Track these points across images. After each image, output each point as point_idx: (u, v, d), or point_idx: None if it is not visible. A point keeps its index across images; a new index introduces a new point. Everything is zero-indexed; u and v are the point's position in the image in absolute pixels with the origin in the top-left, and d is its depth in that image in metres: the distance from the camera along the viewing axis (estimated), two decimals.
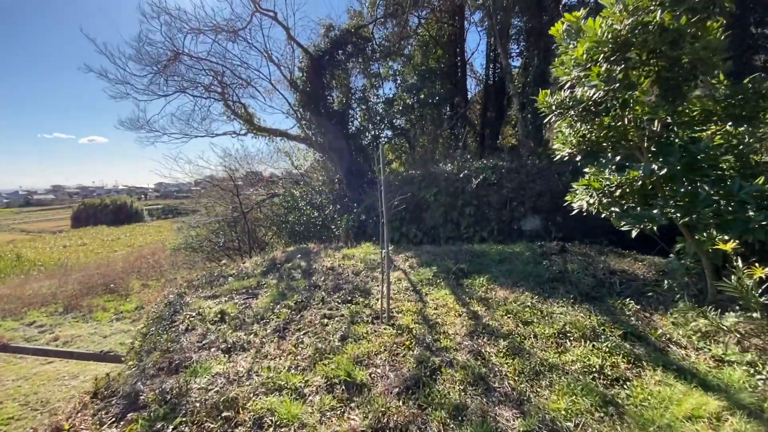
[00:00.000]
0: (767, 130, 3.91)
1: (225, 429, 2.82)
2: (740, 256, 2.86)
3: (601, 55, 3.66)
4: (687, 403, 2.64)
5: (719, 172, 3.68)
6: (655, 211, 3.62)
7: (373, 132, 13.45)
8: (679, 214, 3.54)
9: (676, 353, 3.38)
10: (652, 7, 3.45)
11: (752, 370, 2.98)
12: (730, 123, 3.66)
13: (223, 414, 2.91)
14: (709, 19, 3.41)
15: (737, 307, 3.62)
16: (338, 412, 2.89)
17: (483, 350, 3.55)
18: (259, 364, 3.61)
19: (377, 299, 4.84)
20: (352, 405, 2.95)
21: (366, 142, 12.95)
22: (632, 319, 4.01)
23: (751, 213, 3.25)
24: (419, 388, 3.04)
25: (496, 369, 3.26)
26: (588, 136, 4.25)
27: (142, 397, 3.25)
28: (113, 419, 3.13)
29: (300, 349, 3.86)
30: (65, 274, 19.23)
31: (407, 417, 2.72)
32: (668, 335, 3.65)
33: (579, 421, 2.61)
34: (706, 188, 3.47)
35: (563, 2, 12.18)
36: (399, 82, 15.09)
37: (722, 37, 3.23)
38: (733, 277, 2.81)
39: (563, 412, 2.68)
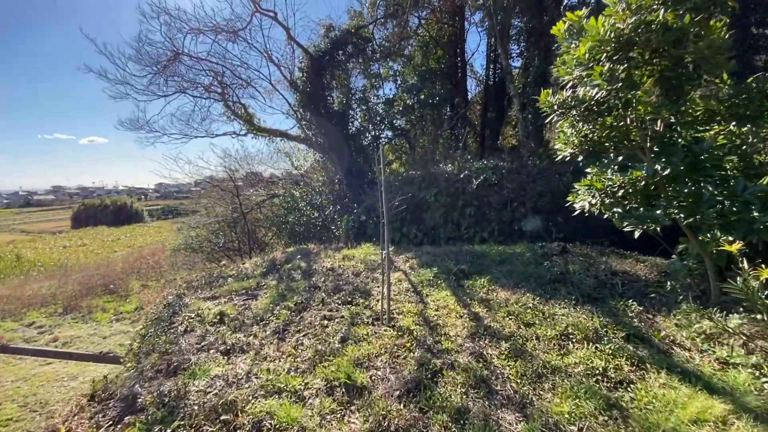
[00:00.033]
0: None
1: None
2: (745, 257, 2.82)
3: (604, 55, 3.62)
4: (692, 406, 2.60)
5: (723, 173, 3.65)
6: (658, 212, 3.59)
7: (373, 132, 13.42)
8: (682, 215, 3.51)
9: (680, 355, 3.34)
10: (654, 6, 3.42)
11: (757, 373, 2.94)
12: (734, 123, 3.62)
13: (222, 417, 2.87)
14: (712, 18, 3.38)
15: (741, 309, 3.58)
16: (338, 416, 2.85)
17: (485, 352, 3.51)
18: (259, 366, 3.57)
19: (377, 300, 4.80)
20: (353, 408, 2.91)
21: (366, 143, 12.92)
22: (635, 320, 3.97)
23: (755, 213, 3.22)
24: (420, 390, 3.00)
25: (498, 371, 3.22)
26: (590, 136, 4.22)
27: (139, 400, 3.21)
28: (110, 422, 3.09)
29: (300, 350, 3.82)
30: (65, 274, 19.21)
31: (408, 420, 2.68)
32: (672, 337, 3.61)
33: (583, 424, 2.57)
34: (710, 189, 3.44)
35: (564, 3, 12.16)
36: (399, 82, 15.07)
37: (726, 36, 3.19)
38: (738, 278, 2.77)
39: (567, 416, 2.64)
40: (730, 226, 3.39)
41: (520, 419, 2.67)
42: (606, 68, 3.60)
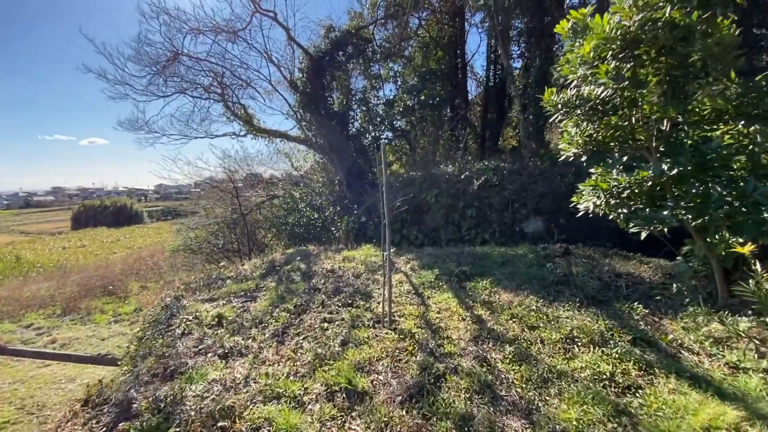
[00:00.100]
0: None
1: None
2: (758, 258, 2.75)
3: (609, 53, 3.56)
4: (703, 412, 2.52)
5: (731, 173, 3.58)
6: (665, 213, 3.52)
7: (373, 133, 13.36)
8: (690, 216, 3.44)
9: (689, 360, 3.26)
10: (661, 3, 3.36)
11: None
12: (742, 122, 3.55)
13: (219, 424, 2.79)
14: (719, 15, 3.32)
15: (750, 312, 3.52)
16: (339, 422, 2.77)
17: (488, 356, 3.44)
18: (257, 371, 3.50)
19: (378, 302, 4.72)
20: (354, 414, 2.83)
21: (366, 144, 12.86)
22: (641, 323, 3.89)
23: (765, 215, 3.15)
24: (423, 396, 2.93)
25: (503, 376, 3.15)
26: (594, 135, 4.16)
27: (134, 406, 3.13)
28: (104, 429, 3.01)
29: (299, 354, 3.74)
30: (64, 275, 19.10)
31: (411, 427, 2.61)
32: (679, 341, 3.53)
33: None
34: (719, 189, 3.37)
35: (566, 3, 12.13)
36: (399, 83, 15.02)
37: (736, 33, 3.13)
38: (750, 281, 2.70)
39: (574, 423, 2.56)
40: (739, 228, 3.32)
41: (527, 426, 2.60)
42: (612, 66, 3.53)
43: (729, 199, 3.35)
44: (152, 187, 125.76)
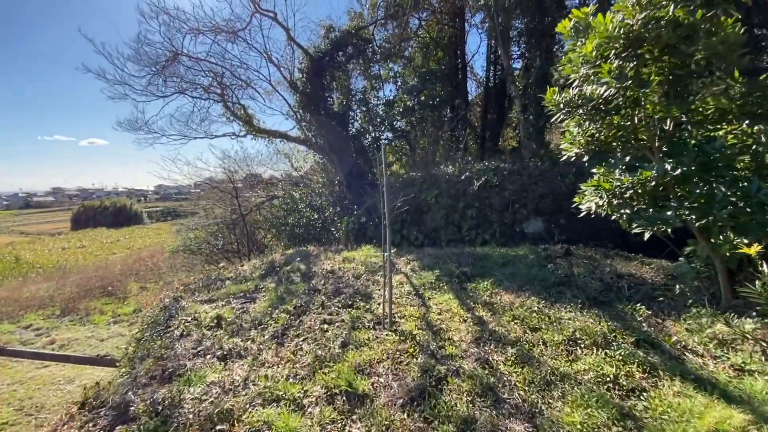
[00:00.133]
0: None
1: None
2: (764, 259, 2.71)
3: (612, 52, 3.53)
4: (709, 416, 2.48)
5: (735, 173, 3.54)
6: (668, 213, 3.48)
7: (373, 134, 13.33)
8: (694, 216, 3.41)
9: (693, 362, 3.22)
10: (664, 2, 3.33)
11: None
12: (746, 122, 3.52)
13: (218, 427, 2.76)
14: (723, 14, 3.29)
15: (754, 313, 3.48)
16: (339, 426, 2.73)
17: (490, 358, 3.40)
18: (256, 373, 3.46)
19: (379, 304, 4.68)
20: (354, 417, 2.79)
21: (366, 144, 12.83)
22: (644, 325, 3.85)
23: None
24: (424, 399, 2.89)
25: (505, 378, 3.11)
26: (597, 135, 4.12)
27: (132, 409, 3.09)
28: None
29: (299, 356, 3.70)
30: (63, 276, 19.07)
31: (412, 431, 2.57)
32: (683, 342, 3.49)
33: None
34: (723, 189, 3.33)
35: (566, 3, 12.11)
36: (399, 83, 15.00)
37: (741, 32, 3.09)
38: (757, 282, 2.67)
39: (579, 426, 2.52)
40: (743, 228, 3.29)
41: (530, 430, 2.56)
42: (615, 65, 3.50)
43: (733, 199, 3.31)
44: (152, 188, 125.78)
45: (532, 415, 2.68)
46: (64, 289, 15.93)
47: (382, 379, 3.20)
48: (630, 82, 3.43)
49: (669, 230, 3.49)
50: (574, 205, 4.47)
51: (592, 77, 3.79)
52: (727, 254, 3.50)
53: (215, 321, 4.61)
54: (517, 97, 11.98)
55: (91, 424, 3.09)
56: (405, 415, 2.75)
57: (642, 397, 2.78)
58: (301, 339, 4.04)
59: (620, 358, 3.25)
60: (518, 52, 14.23)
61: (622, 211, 3.91)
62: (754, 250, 2.78)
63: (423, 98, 13.29)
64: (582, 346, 3.51)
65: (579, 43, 3.91)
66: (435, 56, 15.12)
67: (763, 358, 3.08)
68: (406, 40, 14.67)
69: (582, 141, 4.21)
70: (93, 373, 7.97)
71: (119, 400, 3.28)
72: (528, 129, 11.56)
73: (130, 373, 3.81)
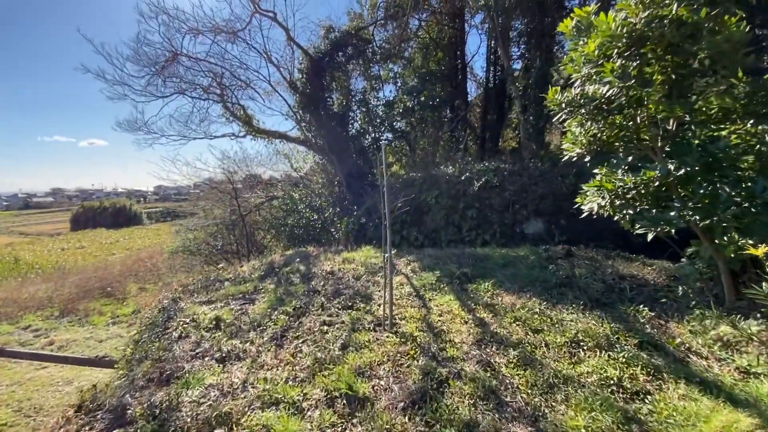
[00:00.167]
0: None
1: None
2: None
3: (615, 51, 3.49)
4: (716, 419, 2.44)
5: (739, 173, 3.51)
6: (672, 214, 3.45)
7: (373, 134, 13.30)
8: (698, 217, 3.37)
9: (698, 364, 3.19)
10: (667, 1, 3.30)
11: None
12: (751, 121, 3.48)
13: (216, 431, 2.71)
14: (727, 12, 3.25)
15: (759, 315, 3.45)
16: (339, 429, 2.69)
17: (492, 360, 3.36)
18: (255, 375, 3.41)
19: (379, 305, 4.64)
20: (354, 421, 2.75)
21: (366, 145, 12.80)
22: (647, 326, 3.81)
23: None
24: (426, 402, 2.85)
25: (507, 381, 3.07)
26: (599, 135, 4.09)
27: (129, 412, 3.05)
28: None
29: (298, 358, 3.66)
30: (62, 277, 19.01)
31: None
32: (687, 344, 3.45)
33: None
34: (727, 189, 3.29)
35: (566, 4, 12.09)
36: (399, 84, 14.98)
37: (746, 30, 3.06)
38: (764, 284, 2.63)
39: (583, 430, 2.48)
40: (747, 229, 3.25)
41: None
42: (618, 65, 3.46)
43: (737, 199, 3.27)
44: (151, 189, 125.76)
45: (535, 419, 2.64)
46: (63, 289, 15.88)
47: (382, 382, 3.16)
48: (633, 81, 3.40)
49: (672, 231, 3.45)
50: (576, 206, 4.44)
51: (594, 77, 3.75)
52: (732, 255, 3.45)
53: (214, 322, 4.57)
54: (517, 98, 11.96)
55: (87, 428, 3.04)
56: (406, 418, 2.71)
57: (646, 401, 2.75)
58: (300, 341, 4.00)
59: (624, 360, 3.21)
60: (518, 53, 14.25)
61: (625, 211, 3.87)
62: (762, 251, 2.74)
63: (423, 99, 13.27)
64: (585, 348, 3.47)
65: (581, 42, 3.88)
66: (435, 57, 15.10)
67: (764, 360, 3.04)
68: (406, 41, 14.65)
69: (584, 141, 4.17)
70: (92, 374, 7.94)
71: (116, 403, 3.24)
72: (528, 129, 11.54)
73: (128, 376, 3.77)
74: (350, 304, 4.81)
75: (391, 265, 4.37)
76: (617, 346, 3.44)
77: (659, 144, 3.82)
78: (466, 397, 2.88)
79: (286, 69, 11.83)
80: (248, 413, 2.90)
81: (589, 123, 4.04)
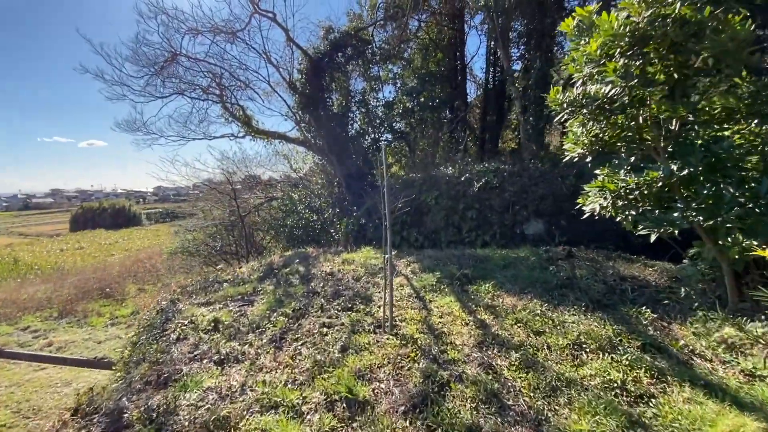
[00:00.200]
0: None
1: None
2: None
3: (618, 50, 3.46)
4: (722, 423, 2.41)
5: (743, 173, 3.47)
6: (675, 215, 3.41)
7: (372, 135, 13.28)
8: (701, 218, 3.33)
9: (702, 367, 3.15)
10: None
11: None
12: (755, 121, 3.45)
13: None
14: (730, 11, 3.23)
15: (763, 317, 3.41)
16: None
17: (494, 363, 3.32)
18: (254, 378, 3.37)
19: (379, 306, 4.60)
20: (354, 425, 2.71)
21: (366, 145, 12.78)
22: (649, 328, 3.78)
23: None
24: (427, 406, 2.80)
25: (509, 384, 3.02)
26: (601, 135, 4.06)
27: (126, 415, 3.01)
28: None
29: (297, 361, 3.62)
30: (61, 278, 18.96)
31: None
32: (691, 346, 3.41)
33: None
34: (731, 190, 3.26)
35: (565, 4, 12.07)
36: (399, 85, 14.98)
37: (752, 28, 3.02)
38: None
39: None
40: (752, 230, 3.22)
41: None
42: (620, 64, 3.43)
43: (742, 200, 3.24)
44: (151, 189, 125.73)
45: (538, 423, 2.60)
46: (62, 290, 15.83)
47: (383, 385, 3.11)
48: (636, 80, 3.37)
49: (676, 232, 3.41)
50: (578, 206, 4.40)
51: (596, 76, 3.72)
52: (736, 257, 3.41)
53: (212, 324, 4.53)
54: (517, 99, 11.94)
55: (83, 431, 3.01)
56: (407, 422, 2.67)
57: (651, 404, 2.71)
58: (299, 343, 3.96)
59: (627, 363, 3.17)
60: (518, 54, 14.23)
61: (627, 212, 3.84)
62: None
63: (422, 100, 13.26)
64: (587, 350, 3.43)
65: (582, 42, 3.85)
66: (434, 58, 15.09)
67: None
68: (406, 42, 14.64)
69: (586, 141, 4.14)
70: (90, 375, 7.92)
71: (113, 407, 3.20)
72: (528, 130, 11.51)
73: (125, 378, 3.73)
74: (350, 305, 4.77)
75: (392, 266, 4.33)
76: (620, 348, 3.41)
77: (662, 144, 3.79)
78: (468, 401, 2.84)
79: (286, 69, 11.82)
80: (247, 417, 2.86)
81: (591, 123, 4.01)
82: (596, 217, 4.20)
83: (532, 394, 2.89)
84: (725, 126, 3.66)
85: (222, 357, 3.79)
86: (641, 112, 3.75)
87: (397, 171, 14.07)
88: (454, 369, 3.25)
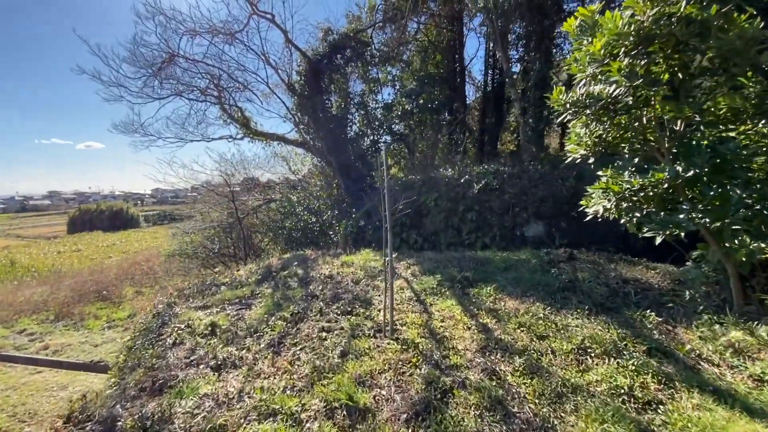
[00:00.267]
0: None
1: None
2: None
3: (622, 49, 3.41)
4: (733, 430, 2.34)
5: (750, 175, 3.42)
6: (681, 216, 3.35)
7: (371, 137, 13.25)
8: (707, 219, 3.27)
9: (710, 372, 3.08)
10: None
11: None
12: (762, 121, 3.40)
13: None
14: (736, 10, 3.18)
15: None
16: None
17: (497, 368, 3.24)
18: (252, 384, 3.29)
19: (379, 310, 4.52)
20: None
21: (365, 147, 12.74)
22: (655, 332, 3.71)
23: None
24: (430, 413, 2.73)
25: (514, 390, 2.95)
26: (604, 136, 4.00)
27: (119, 423, 2.92)
28: None
29: (296, 366, 3.54)
30: (58, 280, 18.83)
31: None
32: (697, 351, 3.35)
33: None
34: (738, 191, 3.20)
35: (564, 7, 12.06)
36: (398, 87, 14.96)
37: (760, 26, 2.97)
38: None
39: None
40: (759, 231, 3.16)
41: None
42: (625, 63, 3.38)
43: (749, 201, 3.19)
44: (149, 191, 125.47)
45: (544, 431, 2.53)
46: (58, 293, 15.71)
47: (384, 392, 3.03)
48: (640, 80, 3.31)
49: (683, 234, 3.36)
50: (580, 208, 4.34)
51: (600, 76, 3.67)
52: (743, 259, 3.36)
53: (209, 328, 4.44)
54: (516, 101, 11.91)
55: None
56: (409, 431, 2.59)
57: (659, 411, 2.63)
58: (298, 348, 3.87)
59: (633, 368, 3.10)
60: (517, 56, 14.22)
61: (632, 214, 3.78)
62: None
63: (421, 102, 13.24)
64: (592, 355, 3.36)
65: (585, 41, 3.80)
66: (433, 60, 15.09)
67: None
68: (405, 44, 14.64)
69: (588, 142, 4.09)
70: (86, 379, 7.81)
71: (106, 414, 3.11)
72: (527, 132, 11.47)
73: (119, 384, 3.64)
74: (349, 309, 4.69)
75: (392, 268, 4.26)
76: (625, 352, 3.34)
77: (666, 145, 3.73)
78: (472, 408, 2.77)
79: (284, 71, 11.79)
80: (244, 425, 2.78)
81: (594, 124, 3.95)
82: (598, 219, 4.15)
83: (537, 401, 2.82)
84: (731, 126, 3.61)
85: (219, 362, 3.71)
86: (646, 112, 3.70)
87: (397, 173, 14.03)
88: (456, 375, 3.17)
